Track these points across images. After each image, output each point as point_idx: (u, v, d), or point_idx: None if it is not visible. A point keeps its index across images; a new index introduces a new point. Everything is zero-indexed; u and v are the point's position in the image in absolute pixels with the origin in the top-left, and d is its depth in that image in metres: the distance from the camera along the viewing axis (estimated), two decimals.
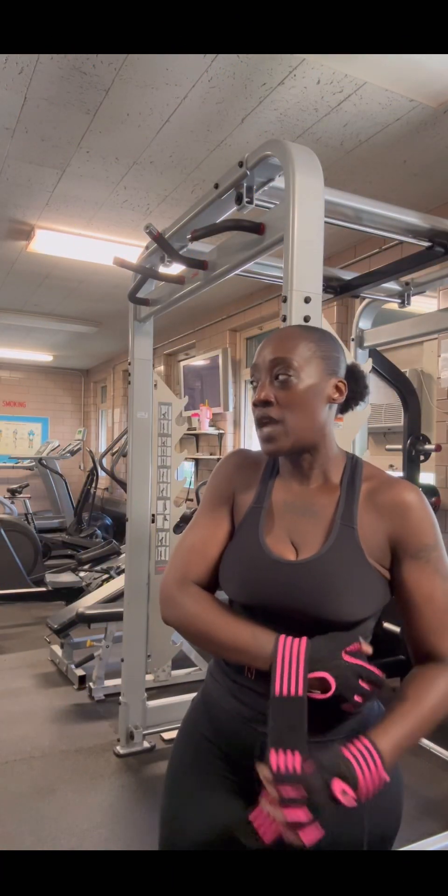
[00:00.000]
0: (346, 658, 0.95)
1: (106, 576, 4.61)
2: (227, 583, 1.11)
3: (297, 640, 0.97)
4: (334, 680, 0.93)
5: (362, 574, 1.03)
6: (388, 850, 1.08)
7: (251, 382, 1.12)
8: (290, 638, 0.97)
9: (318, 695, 0.94)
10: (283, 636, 0.98)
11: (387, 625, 3.75)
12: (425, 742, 2.91)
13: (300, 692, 0.93)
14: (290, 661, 0.95)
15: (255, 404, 1.07)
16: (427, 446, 3.59)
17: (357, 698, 0.94)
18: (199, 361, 6.46)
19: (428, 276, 2.84)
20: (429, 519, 1.04)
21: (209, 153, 3.08)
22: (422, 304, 3.42)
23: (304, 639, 0.97)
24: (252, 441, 5.97)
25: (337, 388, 1.08)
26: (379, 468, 1.14)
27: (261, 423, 1.07)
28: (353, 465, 1.12)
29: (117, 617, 3.43)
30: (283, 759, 0.89)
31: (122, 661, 2.94)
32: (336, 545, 1.04)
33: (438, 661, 1.03)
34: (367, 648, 0.98)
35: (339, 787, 0.87)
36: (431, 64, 2.33)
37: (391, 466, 4.13)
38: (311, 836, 0.86)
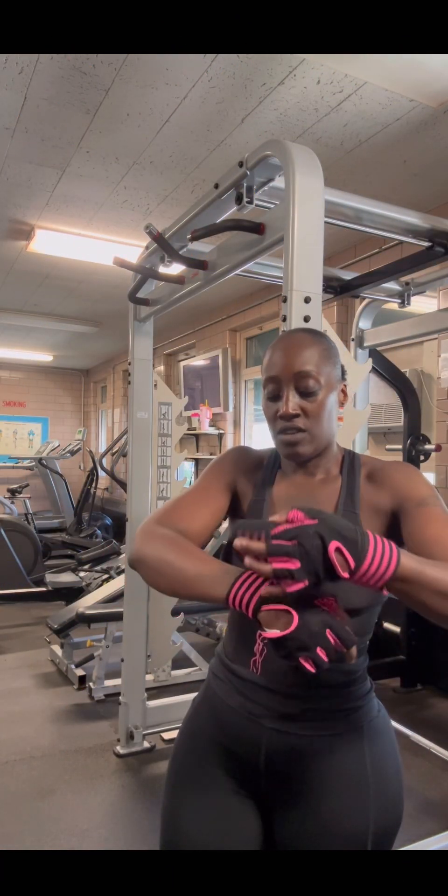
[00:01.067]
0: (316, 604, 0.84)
1: (106, 576, 4.61)
2: None
3: (258, 577, 0.86)
4: (296, 616, 0.80)
5: None
6: (391, 844, 1.08)
7: (269, 395, 1.10)
8: (252, 574, 0.86)
9: (272, 633, 0.80)
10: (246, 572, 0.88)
11: (387, 625, 3.75)
12: (425, 742, 2.91)
13: (250, 614, 0.85)
14: (248, 588, 0.86)
15: (283, 417, 1.07)
16: (427, 446, 3.59)
17: (320, 652, 0.79)
18: (199, 361, 6.46)
19: (428, 276, 2.84)
20: (425, 478, 1.10)
21: (209, 153, 3.08)
22: (422, 304, 3.42)
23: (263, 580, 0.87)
24: (252, 441, 5.97)
25: (343, 392, 1.15)
26: (374, 458, 1.18)
27: (285, 431, 1.08)
28: (351, 457, 1.16)
29: (117, 617, 3.43)
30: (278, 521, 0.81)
31: (122, 661, 2.94)
32: None
33: None
34: (343, 615, 0.84)
35: (334, 546, 0.77)
36: (431, 64, 2.33)
37: None
38: (295, 586, 0.77)
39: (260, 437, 5.94)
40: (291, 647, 0.79)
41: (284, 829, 1.06)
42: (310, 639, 0.79)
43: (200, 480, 1.19)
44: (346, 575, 0.78)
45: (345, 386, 1.15)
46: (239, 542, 0.81)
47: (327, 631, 0.80)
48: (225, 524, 1.26)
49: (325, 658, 0.79)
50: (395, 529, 1.05)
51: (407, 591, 0.83)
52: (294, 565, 0.76)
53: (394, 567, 0.80)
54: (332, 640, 0.79)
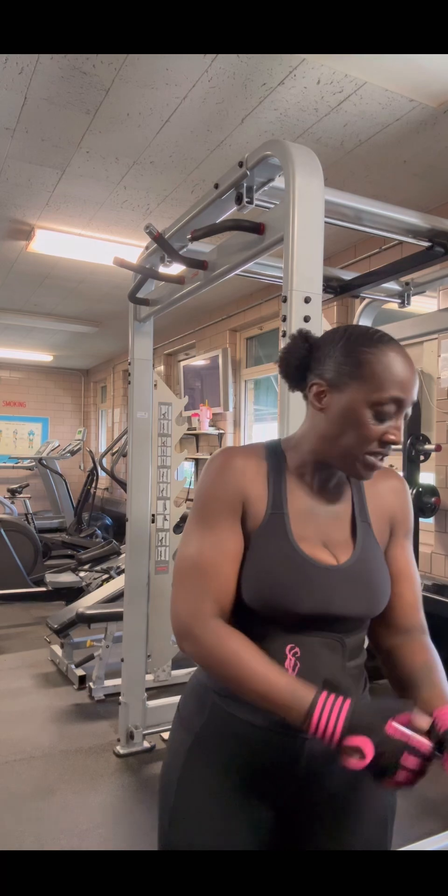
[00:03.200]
0: (392, 728, 0.88)
1: (106, 576, 4.61)
2: (252, 591, 1.03)
3: (339, 700, 0.91)
4: (373, 747, 0.86)
5: (383, 563, 1.11)
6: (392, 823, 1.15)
7: (382, 415, 1.00)
8: (332, 696, 0.92)
9: (354, 762, 0.87)
10: (324, 693, 0.92)
11: None
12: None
13: (334, 744, 0.90)
14: (327, 723, 0.90)
15: (390, 443, 1.01)
16: (427, 446, 3.59)
17: (400, 775, 0.88)
18: (199, 361, 6.46)
19: (428, 276, 2.84)
20: (411, 504, 1.18)
21: (209, 153, 3.08)
22: (422, 304, 3.42)
23: (348, 701, 0.91)
24: (252, 441, 5.97)
25: None
26: None
27: (376, 455, 1.02)
28: None
29: (117, 617, 3.43)
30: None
31: (122, 661, 2.94)
32: (365, 544, 1.09)
33: (419, 631, 1.14)
34: (422, 721, 0.91)
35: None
36: (431, 64, 2.33)
37: (391, 466, 4.12)
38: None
39: (260, 437, 5.94)
40: (373, 774, 0.89)
41: (319, 829, 1.09)
42: (389, 765, 0.88)
43: (205, 520, 1.06)
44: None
45: None
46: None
47: (405, 754, 0.88)
48: None
49: (403, 780, 0.90)
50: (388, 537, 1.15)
51: None
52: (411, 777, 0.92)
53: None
54: (411, 763, 0.88)
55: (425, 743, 0.89)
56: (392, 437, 1.00)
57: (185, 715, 1.15)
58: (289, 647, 1.01)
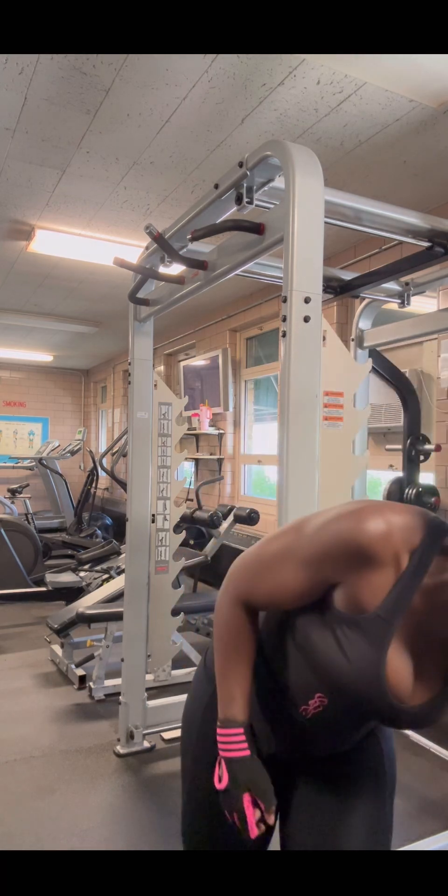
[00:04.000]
0: (246, 798, 1.07)
1: (106, 576, 4.61)
2: (316, 661, 1.00)
3: (240, 743, 1.09)
4: (224, 789, 1.08)
5: None
6: (391, 802, 1.21)
7: None
8: (237, 737, 1.09)
9: (215, 779, 1.11)
10: (237, 730, 1.09)
11: None
12: (425, 742, 2.91)
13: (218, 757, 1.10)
14: (225, 747, 1.10)
15: None
16: (427, 446, 3.59)
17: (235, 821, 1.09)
18: (199, 361, 6.46)
19: (428, 276, 2.84)
20: None
21: (209, 153, 3.08)
22: (422, 304, 3.42)
23: (244, 753, 1.09)
24: (252, 441, 5.97)
25: None
26: None
27: None
28: (431, 541, 0.94)
29: (117, 617, 3.43)
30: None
31: (122, 660, 2.94)
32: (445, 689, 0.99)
33: None
34: (270, 818, 1.08)
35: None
36: (431, 64, 2.33)
37: (391, 466, 4.13)
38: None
39: (260, 437, 5.95)
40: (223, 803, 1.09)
41: (301, 784, 1.19)
42: (226, 808, 1.09)
43: (289, 544, 1.01)
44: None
45: None
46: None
47: (234, 817, 1.07)
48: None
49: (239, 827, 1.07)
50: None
51: None
52: None
53: None
54: (239, 825, 1.06)
55: (253, 830, 1.05)
56: None
57: (210, 666, 1.25)
58: (319, 694, 1.05)
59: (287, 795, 1.20)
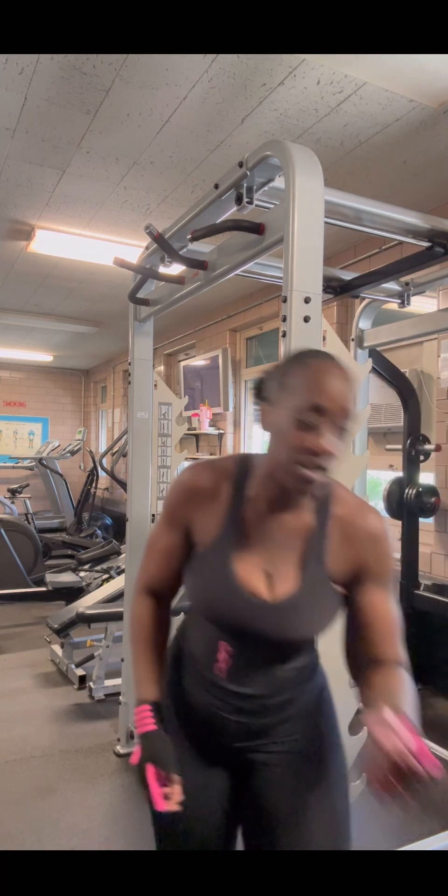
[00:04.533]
0: (149, 769, 1.07)
1: (106, 576, 4.61)
2: (193, 599, 1.18)
3: (148, 717, 1.13)
4: (138, 760, 1.09)
5: (328, 602, 1.12)
6: (347, 799, 1.21)
7: (304, 424, 1.00)
8: (146, 711, 1.13)
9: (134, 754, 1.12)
10: (144, 707, 1.14)
11: None
12: (425, 742, 2.91)
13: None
14: (138, 723, 1.13)
15: (318, 453, 1.00)
16: (427, 446, 3.59)
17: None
18: (199, 361, 6.46)
19: (428, 276, 2.84)
20: (391, 549, 1.15)
21: (209, 153, 3.08)
22: (422, 304, 3.42)
23: (152, 729, 1.11)
24: (252, 441, 5.97)
25: None
26: (347, 489, 1.17)
27: (308, 465, 1.01)
28: (326, 490, 1.12)
29: (117, 617, 3.43)
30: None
31: (122, 660, 2.94)
32: (309, 582, 1.10)
33: (391, 663, 1.10)
34: (176, 793, 1.07)
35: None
36: (431, 64, 2.33)
37: (391, 466, 4.13)
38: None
39: (260, 437, 5.94)
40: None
41: (252, 785, 1.18)
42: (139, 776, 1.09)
43: (165, 517, 1.21)
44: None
45: None
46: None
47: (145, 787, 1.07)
48: None
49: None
50: (352, 587, 1.13)
51: None
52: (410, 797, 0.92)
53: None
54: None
55: (159, 802, 1.05)
56: (315, 446, 0.99)
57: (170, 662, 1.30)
58: (222, 643, 1.13)
59: (244, 801, 1.20)
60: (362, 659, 1.12)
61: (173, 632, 1.29)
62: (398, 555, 3.68)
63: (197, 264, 2.18)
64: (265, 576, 1.10)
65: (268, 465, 1.10)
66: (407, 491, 3.55)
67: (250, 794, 1.19)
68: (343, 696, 2.31)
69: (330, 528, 1.11)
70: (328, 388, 1.01)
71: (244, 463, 1.15)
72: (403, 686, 1.04)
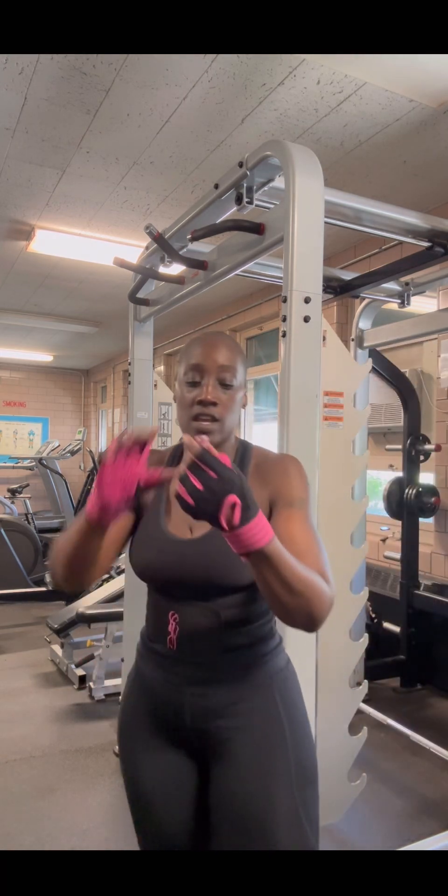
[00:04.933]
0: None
1: (106, 576, 4.61)
2: (136, 567, 1.24)
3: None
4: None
5: None
6: (316, 791, 1.20)
7: (189, 381, 1.20)
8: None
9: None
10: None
11: (386, 625, 3.75)
12: (425, 742, 2.91)
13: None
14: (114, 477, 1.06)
15: (202, 402, 1.18)
16: (427, 446, 3.59)
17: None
18: None
19: (428, 276, 2.84)
20: (303, 478, 1.21)
21: (209, 153, 3.08)
22: (422, 305, 3.42)
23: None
24: (252, 441, 5.97)
25: (245, 396, 1.28)
26: (266, 449, 1.29)
27: (200, 418, 1.18)
28: (244, 448, 1.27)
29: (117, 617, 3.43)
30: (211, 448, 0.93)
31: (122, 660, 2.94)
32: None
33: None
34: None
35: (231, 500, 0.90)
36: (431, 64, 2.33)
37: (391, 466, 4.13)
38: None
39: (260, 437, 5.94)
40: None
41: (215, 775, 1.18)
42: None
43: None
44: (226, 527, 0.91)
45: (246, 393, 1.28)
46: (188, 439, 0.94)
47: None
48: None
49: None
50: (269, 515, 1.17)
51: (263, 573, 0.96)
52: (189, 500, 0.90)
53: (265, 542, 0.92)
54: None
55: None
56: (199, 397, 1.18)
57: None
58: (170, 612, 1.20)
59: (210, 787, 1.20)
60: None
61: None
62: (398, 554, 3.68)
63: (197, 264, 2.18)
64: (189, 525, 1.20)
65: (182, 433, 1.22)
66: (407, 491, 3.55)
67: (214, 779, 1.20)
68: (341, 695, 2.34)
69: (248, 475, 1.21)
70: (201, 348, 1.21)
71: (178, 447, 1.32)
72: (305, 567, 1.02)
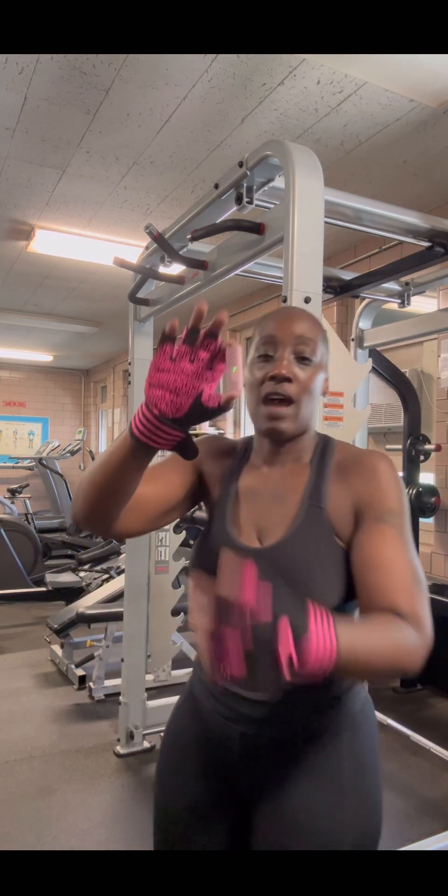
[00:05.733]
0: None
1: (106, 576, 4.61)
2: (197, 568, 1.09)
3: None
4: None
5: (330, 556, 0.98)
6: (375, 848, 1.03)
7: (261, 355, 1.03)
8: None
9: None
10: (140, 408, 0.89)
11: None
12: (425, 742, 2.91)
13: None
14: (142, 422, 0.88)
15: (275, 378, 0.99)
16: (427, 446, 3.59)
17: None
18: None
19: (428, 276, 2.84)
20: (397, 484, 0.99)
21: (209, 153, 3.08)
22: (422, 305, 3.42)
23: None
24: None
25: (327, 382, 1.08)
26: (349, 444, 1.10)
27: (272, 399, 0.99)
28: (325, 443, 1.08)
29: (117, 617, 3.43)
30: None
31: (122, 661, 2.94)
32: (301, 529, 0.99)
33: (390, 611, 0.90)
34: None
35: (285, 642, 0.69)
36: (431, 64, 2.33)
37: None
38: (233, 668, 0.69)
39: None
40: None
41: (257, 825, 1.05)
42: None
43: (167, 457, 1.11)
44: (288, 678, 0.71)
45: (327, 379, 1.08)
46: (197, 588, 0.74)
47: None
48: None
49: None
50: (353, 525, 0.99)
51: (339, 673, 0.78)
52: (237, 671, 0.70)
53: (333, 660, 0.74)
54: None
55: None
56: (271, 372, 0.99)
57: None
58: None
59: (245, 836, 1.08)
60: (372, 609, 0.95)
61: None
62: None
63: (197, 264, 2.18)
64: (257, 531, 1.04)
65: (252, 421, 1.08)
66: (407, 491, 3.55)
67: (256, 828, 1.06)
68: None
69: (329, 474, 1.02)
70: (276, 319, 1.04)
71: (249, 439, 1.16)
72: (382, 627, 0.85)
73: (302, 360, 1.01)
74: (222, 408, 0.84)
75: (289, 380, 0.99)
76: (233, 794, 1.09)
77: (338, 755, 1.01)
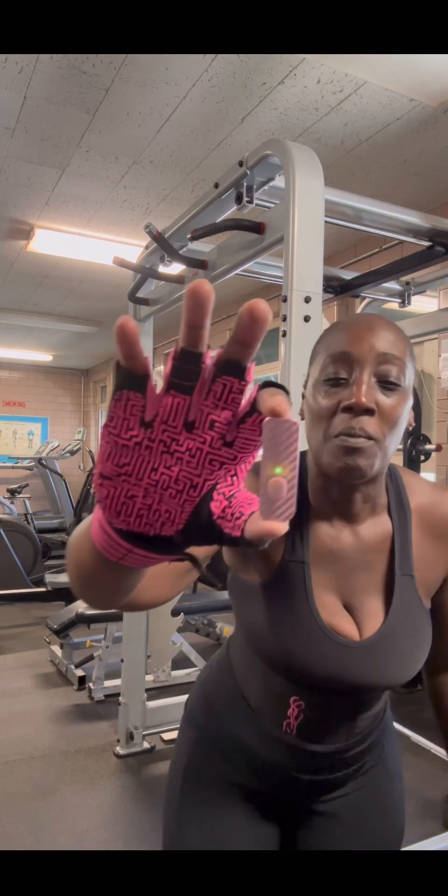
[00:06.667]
0: None
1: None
2: (257, 642, 0.91)
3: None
4: None
5: (423, 628, 0.90)
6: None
7: (330, 378, 0.80)
8: None
9: None
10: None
11: None
12: (425, 742, 2.90)
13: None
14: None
15: (352, 409, 0.77)
16: (427, 446, 3.59)
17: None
18: None
19: (428, 275, 2.83)
20: None
21: (209, 153, 3.08)
22: (422, 304, 3.42)
23: None
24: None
25: (412, 412, 0.85)
26: (414, 474, 0.96)
27: (347, 437, 0.77)
28: (394, 480, 0.91)
29: (117, 617, 3.43)
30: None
31: (122, 661, 2.93)
32: (400, 608, 0.88)
33: None
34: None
35: None
36: (431, 64, 2.33)
37: None
38: None
39: None
40: None
41: (312, 837, 1.02)
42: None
43: None
44: None
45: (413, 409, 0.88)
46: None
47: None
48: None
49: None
50: (439, 591, 0.93)
51: None
52: None
53: None
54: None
55: None
56: (347, 401, 0.77)
57: (190, 709, 1.09)
58: (293, 697, 0.91)
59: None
60: (428, 674, 0.97)
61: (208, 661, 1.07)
62: None
63: (197, 264, 2.18)
64: (346, 607, 0.88)
65: (313, 460, 0.86)
66: None
67: (301, 844, 1.03)
68: None
69: (413, 529, 0.88)
70: (351, 330, 0.80)
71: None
72: None
73: (386, 385, 0.79)
74: (246, 543, 0.42)
75: (371, 411, 0.77)
76: (278, 822, 1.04)
77: (382, 763, 1.04)
